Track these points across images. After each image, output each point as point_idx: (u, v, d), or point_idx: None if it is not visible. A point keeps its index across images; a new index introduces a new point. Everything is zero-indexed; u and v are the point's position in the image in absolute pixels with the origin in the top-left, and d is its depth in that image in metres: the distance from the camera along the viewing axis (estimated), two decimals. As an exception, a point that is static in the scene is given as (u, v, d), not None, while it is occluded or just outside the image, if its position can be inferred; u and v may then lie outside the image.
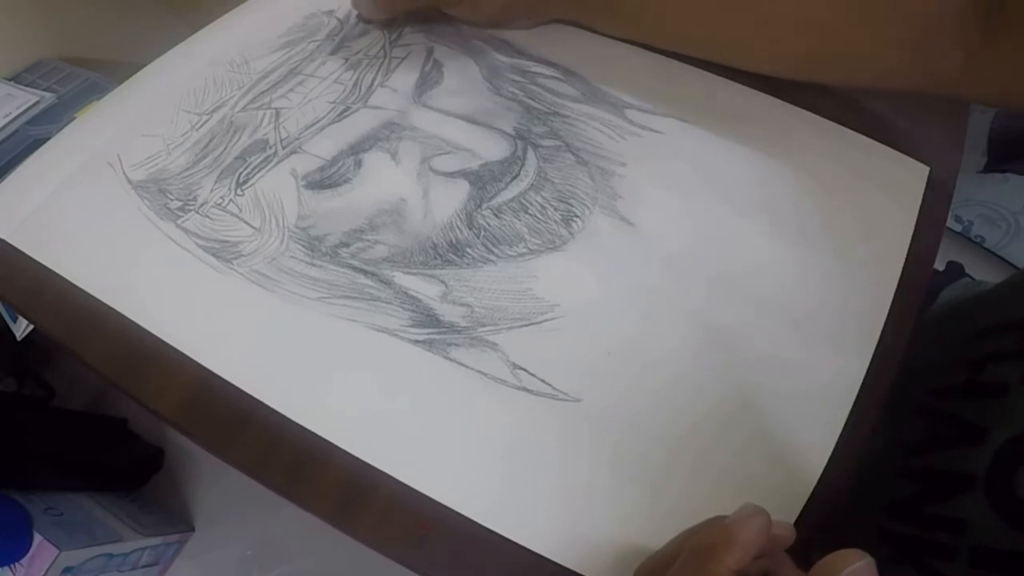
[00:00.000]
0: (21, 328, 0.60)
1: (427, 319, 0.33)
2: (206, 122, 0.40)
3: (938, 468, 0.35)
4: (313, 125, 0.39)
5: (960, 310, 0.44)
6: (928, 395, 0.39)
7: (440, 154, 0.38)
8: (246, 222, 0.36)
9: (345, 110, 0.40)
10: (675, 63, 0.43)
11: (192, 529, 0.84)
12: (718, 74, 0.42)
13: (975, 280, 0.48)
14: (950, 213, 1.07)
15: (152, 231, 0.35)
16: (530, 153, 0.38)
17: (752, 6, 0.36)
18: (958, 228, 1.09)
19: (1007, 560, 0.29)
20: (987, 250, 1.08)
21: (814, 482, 0.29)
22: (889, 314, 0.33)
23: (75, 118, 0.42)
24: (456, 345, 0.32)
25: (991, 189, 1.00)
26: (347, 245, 0.35)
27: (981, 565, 0.31)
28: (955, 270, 0.73)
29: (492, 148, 0.38)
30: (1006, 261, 1.04)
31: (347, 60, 0.42)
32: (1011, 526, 0.30)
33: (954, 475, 0.33)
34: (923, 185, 0.38)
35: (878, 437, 0.30)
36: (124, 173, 0.37)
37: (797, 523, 0.28)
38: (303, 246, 0.35)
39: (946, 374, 0.38)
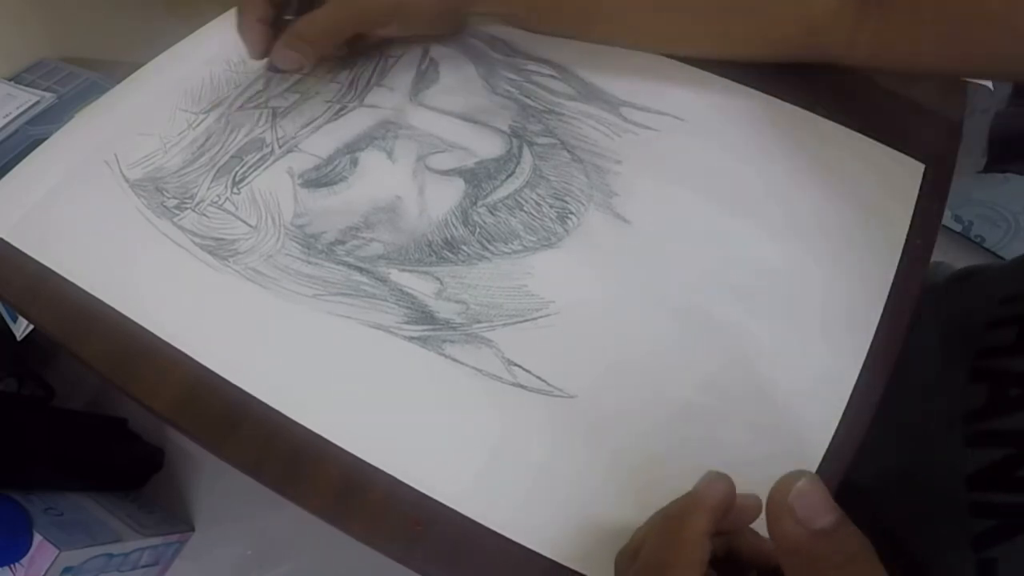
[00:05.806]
0: (21, 328, 0.60)
1: (422, 316, 0.33)
2: (203, 121, 0.40)
3: (1022, 428, 0.34)
4: (309, 124, 0.39)
5: (973, 283, 0.45)
6: (976, 359, 0.38)
7: (436, 152, 0.38)
8: (242, 220, 0.36)
9: (341, 109, 0.40)
10: (670, 61, 0.43)
11: (192, 529, 0.84)
12: (714, 73, 0.42)
13: (949, 264, 0.50)
14: (950, 213, 1.07)
15: (149, 229, 0.35)
16: (525, 151, 0.38)
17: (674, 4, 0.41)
18: (958, 228, 1.08)
19: None
20: (987, 250, 1.07)
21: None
22: (885, 310, 0.33)
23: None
24: (451, 342, 0.32)
25: (991, 189, 1.00)
26: (343, 243, 0.35)
27: None
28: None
29: (488, 146, 0.38)
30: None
31: (344, 59, 0.42)
32: None
33: None
34: (919, 182, 0.38)
35: (916, 412, 0.29)
36: (121, 172, 0.38)
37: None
38: (299, 244, 0.35)
39: (985, 335, 0.38)
